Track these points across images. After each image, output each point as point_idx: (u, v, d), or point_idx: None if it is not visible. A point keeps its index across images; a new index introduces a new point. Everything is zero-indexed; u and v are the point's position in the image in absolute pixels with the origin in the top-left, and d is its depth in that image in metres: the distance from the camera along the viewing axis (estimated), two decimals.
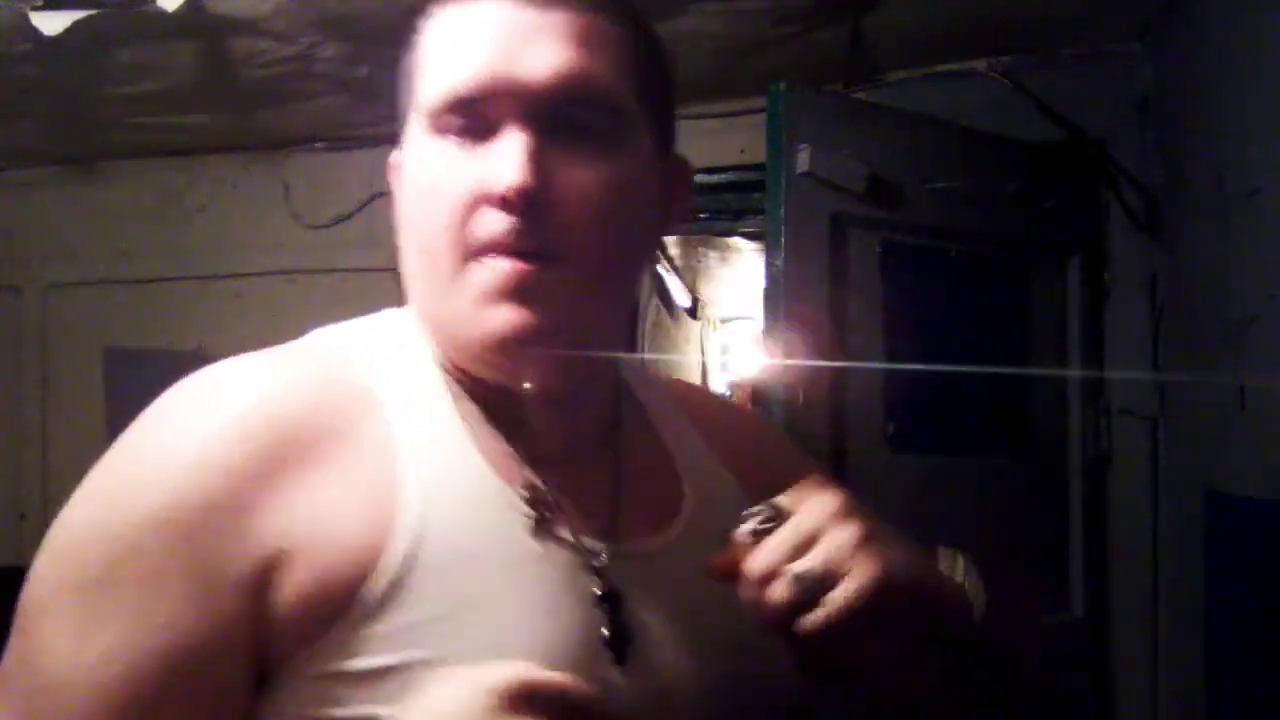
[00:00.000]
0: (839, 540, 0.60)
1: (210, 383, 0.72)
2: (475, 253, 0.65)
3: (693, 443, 0.81)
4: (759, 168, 1.94)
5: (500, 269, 0.65)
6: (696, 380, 3.91)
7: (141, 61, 2.13)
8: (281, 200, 2.73)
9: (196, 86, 2.28)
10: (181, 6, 1.78)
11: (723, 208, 2.60)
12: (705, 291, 4.38)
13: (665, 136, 0.74)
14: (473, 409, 0.71)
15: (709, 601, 0.66)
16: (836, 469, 1.83)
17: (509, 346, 0.66)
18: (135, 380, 2.99)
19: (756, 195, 2.35)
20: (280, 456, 0.65)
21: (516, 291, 0.65)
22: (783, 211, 1.76)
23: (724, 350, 5.20)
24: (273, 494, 0.63)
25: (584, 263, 0.66)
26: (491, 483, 0.68)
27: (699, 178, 2.53)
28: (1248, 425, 1.55)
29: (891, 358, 1.91)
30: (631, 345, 0.84)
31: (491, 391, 0.70)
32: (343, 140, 2.66)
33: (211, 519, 0.62)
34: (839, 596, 0.59)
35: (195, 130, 2.62)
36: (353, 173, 2.61)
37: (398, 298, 0.75)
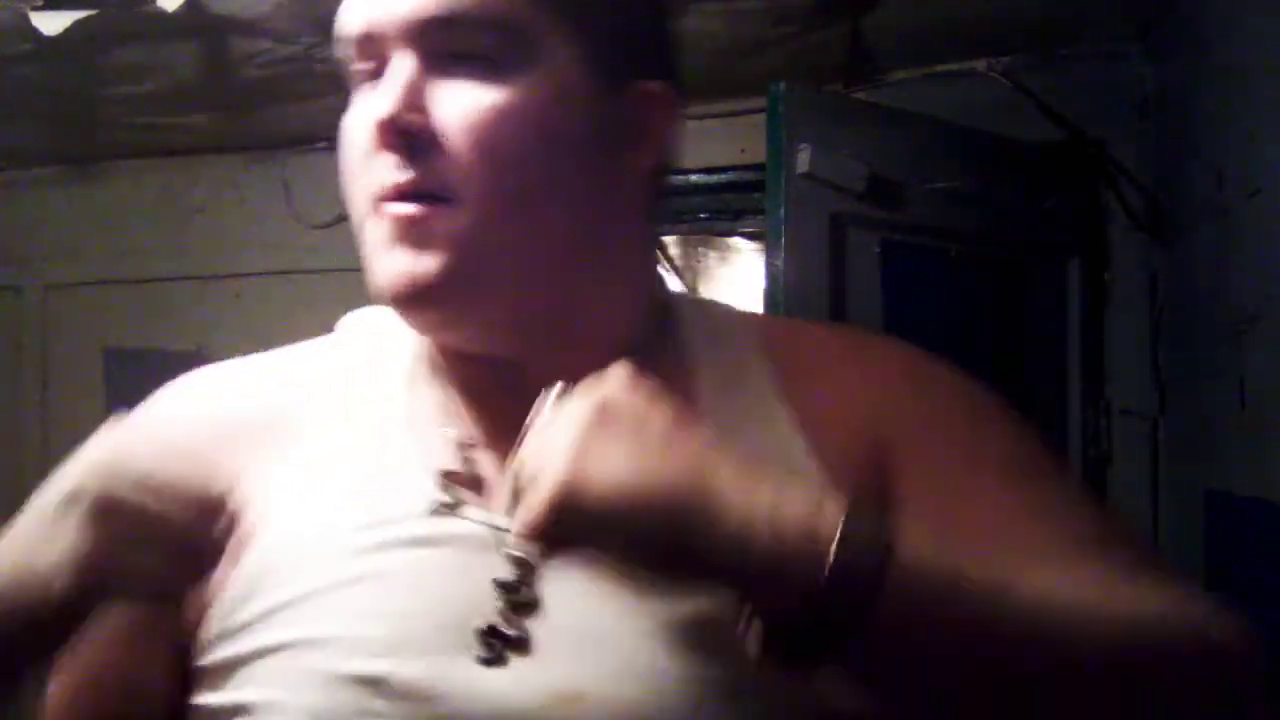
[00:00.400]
0: (548, 439, 0.53)
1: (193, 374, 0.76)
2: (373, 201, 0.62)
3: (765, 421, 0.66)
4: (759, 168, 1.94)
5: (388, 215, 0.61)
6: None
7: (141, 61, 2.12)
8: (281, 200, 2.73)
9: (196, 86, 2.28)
10: (181, 6, 1.78)
11: (723, 208, 2.60)
12: (705, 291, 4.38)
13: (616, 56, 0.64)
14: (445, 384, 0.67)
15: (633, 607, 0.58)
16: None
17: (399, 300, 0.62)
18: (135, 380, 2.98)
19: (756, 195, 2.35)
20: (230, 434, 0.67)
21: (405, 239, 0.60)
22: (783, 211, 1.76)
23: None
24: (215, 469, 0.65)
25: (481, 203, 0.60)
26: (412, 463, 0.64)
27: (699, 178, 2.54)
28: (1248, 425, 1.55)
29: None
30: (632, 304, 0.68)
31: (467, 360, 0.66)
32: None
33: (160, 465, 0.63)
34: (530, 498, 0.52)
35: (195, 130, 2.62)
36: None
37: None
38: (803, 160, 1.76)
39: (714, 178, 2.52)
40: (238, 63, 2.14)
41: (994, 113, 2.18)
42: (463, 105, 0.60)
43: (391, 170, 0.61)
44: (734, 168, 2.47)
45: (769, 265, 1.78)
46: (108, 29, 1.91)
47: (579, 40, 0.63)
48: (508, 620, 0.60)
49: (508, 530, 0.58)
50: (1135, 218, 2.19)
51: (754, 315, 0.74)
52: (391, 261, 0.61)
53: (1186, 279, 1.96)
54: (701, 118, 2.47)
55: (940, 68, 2.27)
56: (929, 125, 2.00)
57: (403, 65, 0.61)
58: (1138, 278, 2.19)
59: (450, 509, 0.62)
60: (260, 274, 2.80)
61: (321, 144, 2.70)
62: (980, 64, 2.25)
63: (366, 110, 0.62)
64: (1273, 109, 1.46)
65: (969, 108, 2.16)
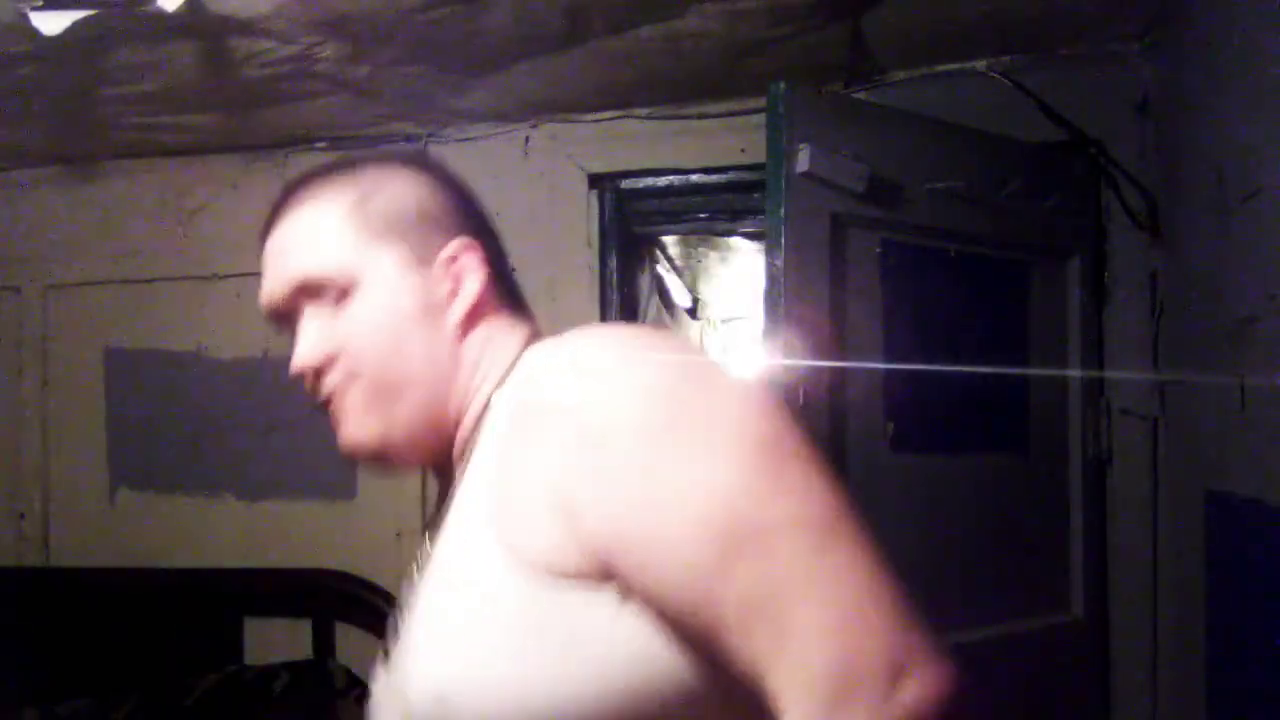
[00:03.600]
0: None
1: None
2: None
3: (488, 453, 0.86)
4: (759, 168, 1.94)
5: (329, 415, 0.94)
6: None
7: (141, 61, 2.12)
8: None
9: (196, 86, 2.28)
10: (181, 6, 1.78)
11: (723, 208, 2.60)
12: (705, 291, 4.38)
13: (425, 241, 0.93)
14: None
15: (425, 612, 0.85)
16: (836, 469, 1.83)
17: (351, 455, 0.94)
18: (135, 380, 2.99)
19: (756, 195, 2.36)
20: None
21: (337, 425, 0.93)
22: (783, 211, 1.76)
23: (724, 350, 5.20)
24: None
25: (360, 388, 0.91)
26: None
27: (699, 178, 2.54)
28: (1248, 425, 1.55)
29: (891, 358, 1.91)
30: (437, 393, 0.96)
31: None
32: (343, 140, 2.66)
33: None
34: None
35: (195, 130, 2.62)
36: None
37: None
38: (803, 160, 1.76)
39: (714, 178, 2.53)
40: (238, 63, 2.14)
41: (994, 113, 2.18)
42: (337, 332, 0.92)
43: (319, 390, 0.94)
44: (734, 168, 2.48)
45: (769, 265, 1.78)
46: (108, 29, 1.91)
47: (393, 246, 0.92)
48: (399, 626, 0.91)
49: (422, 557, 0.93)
50: (1135, 218, 2.19)
51: (540, 362, 0.87)
52: (340, 435, 0.94)
53: (1186, 279, 1.96)
54: (701, 118, 2.47)
55: (940, 68, 2.28)
56: (929, 125, 2.00)
57: (302, 323, 0.94)
58: (1138, 278, 2.20)
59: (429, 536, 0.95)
60: (260, 274, 2.79)
61: (321, 144, 2.70)
62: (980, 64, 2.25)
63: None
64: (1273, 109, 1.46)
65: (969, 108, 2.16)
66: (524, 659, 0.74)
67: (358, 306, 0.91)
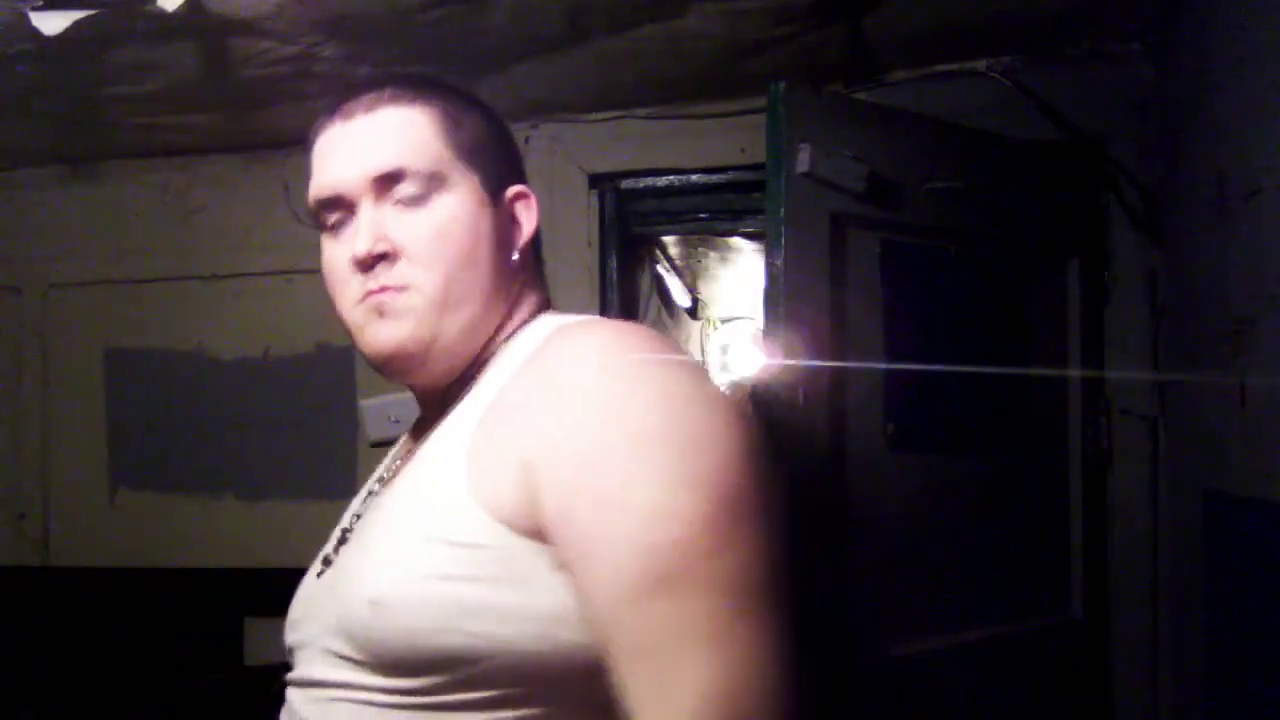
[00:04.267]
0: None
1: None
2: (356, 301, 0.94)
3: (485, 396, 0.89)
4: (759, 168, 1.94)
5: (369, 302, 0.93)
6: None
7: (141, 61, 2.12)
8: (281, 200, 2.73)
9: (196, 86, 2.28)
10: (181, 6, 1.78)
11: (723, 208, 2.60)
12: (705, 291, 4.38)
13: (499, 175, 0.98)
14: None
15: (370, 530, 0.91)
16: (837, 469, 1.83)
17: (378, 360, 0.94)
18: (135, 380, 2.99)
19: (756, 195, 2.36)
20: None
21: (382, 316, 0.93)
22: (783, 211, 1.76)
23: (724, 350, 5.20)
24: None
25: (425, 290, 0.92)
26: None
27: (699, 178, 2.54)
28: (1248, 425, 1.55)
29: (891, 358, 1.91)
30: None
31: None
32: None
33: None
34: None
35: (195, 130, 2.62)
36: None
37: None
38: (803, 160, 1.76)
39: (714, 178, 2.53)
40: (238, 63, 2.14)
41: (994, 113, 2.18)
42: (409, 229, 0.92)
43: (369, 281, 0.92)
44: (734, 168, 2.48)
45: (769, 265, 1.78)
46: (108, 29, 1.91)
47: (474, 171, 0.96)
48: (343, 540, 1.00)
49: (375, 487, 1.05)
50: (1135, 217, 2.19)
51: (558, 338, 0.88)
52: (374, 331, 0.93)
53: (1186, 279, 1.96)
54: (701, 118, 2.47)
55: (940, 68, 2.27)
56: (929, 125, 2.00)
57: (360, 218, 0.93)
58: (1138, 277, 2.20)
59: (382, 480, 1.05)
60: (260, 274, 2.80)
61: None
62: (980, 64, 2.25)
63: (344, 248, 0.94)
64: (1273, 109, 1.46)
65: (969, 108, 2.16)
66: (462, 584, 0.78)
67: (439, 212, 0.93)
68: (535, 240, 1.03)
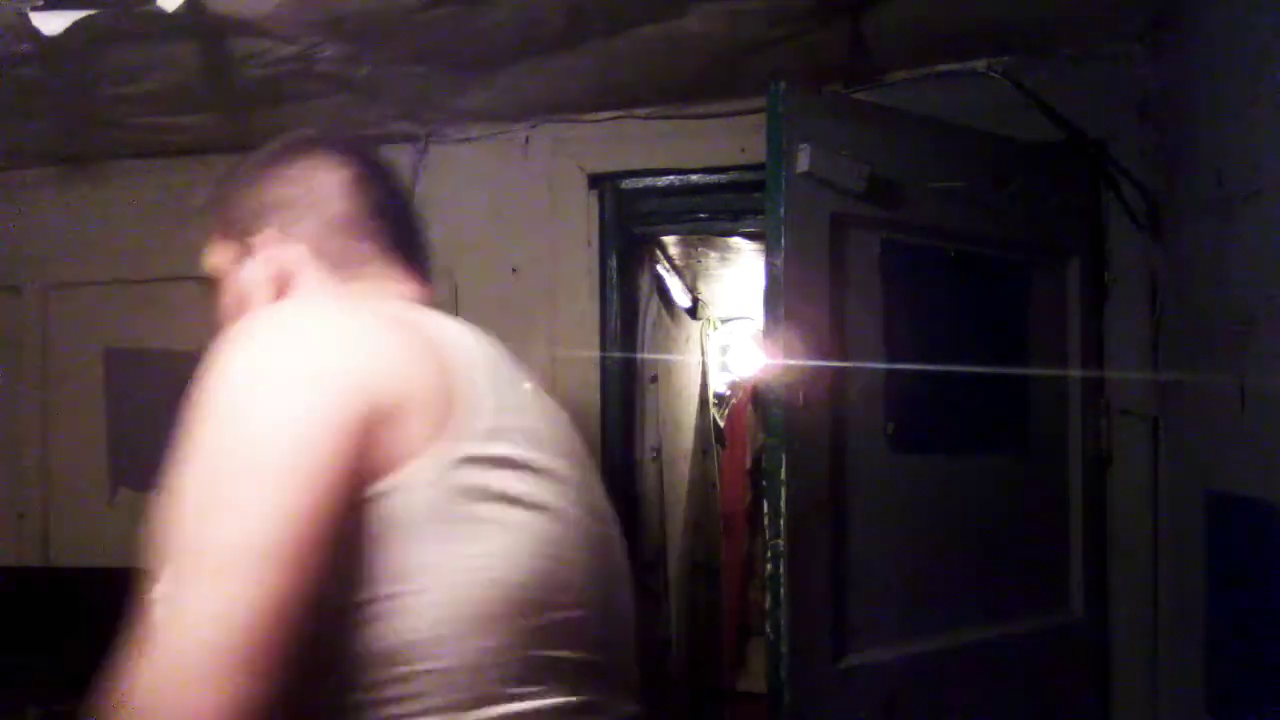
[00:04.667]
0: None
1: None
2: None
3: None
4: (759, 168, 1.94)
5: None
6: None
7: (141, 61, 2.12)
8: None
9: (196, 86, 2.28)
10: (181, 6, 1.78)
11: (723, 208, 2.60)
12: (705, 291, 4.38)
13: (249, 227, 1.11)
14: None
15: None
16: (837, 469, 1.83)
17: None
18: (135, 380, 2.99)
19: (756, 195, 2.36)
20: None
21: None
22: (783, 211, 1.76)
23: (724, 350, 5.20)
24: None
25: None
26: None
27: (699, 178, 2.54)
28: (1248, 425, 1.55)
29: (891, 358, 1.91)
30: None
31: None
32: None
33: None
34: None
35: (195, 130, 2.62)
36: None
37: None
38: (803, 160, 1.76)
39: (714, 178, 2.53)
40: (238, 63, 2.14)
41: (994, 113, 2.18)
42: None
43: None
44: (734, 168, 2.47)
45: (769, 265, 1.78)
46: (108, 29, 1.91)
47: (237, 233, 1.14)
48: None
49: None
50: (1135, 217, 2.19)
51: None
52: None
53: (1186, 279, 1.96)
54: (701, 118, 2.47)
55: (940, 68, 2.27)
56: (929, 125, 2.00)
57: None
58: (1138, 278, 2.19)
59: None
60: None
61: None
62: (980, 64, 2.25)
63: None
64: (1273, 109, 1.46)
65: (969, 108, 2.16)
66: None
67: (236, 283, 1.16)
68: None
